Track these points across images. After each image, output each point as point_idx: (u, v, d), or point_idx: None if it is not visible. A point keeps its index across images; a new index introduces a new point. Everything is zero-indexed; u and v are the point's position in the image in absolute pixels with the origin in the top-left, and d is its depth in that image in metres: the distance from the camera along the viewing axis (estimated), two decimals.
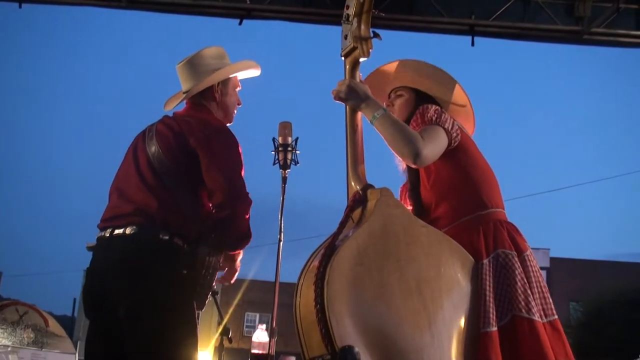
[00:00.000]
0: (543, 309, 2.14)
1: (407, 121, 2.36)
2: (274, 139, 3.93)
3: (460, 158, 2.31)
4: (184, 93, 2.68)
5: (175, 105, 2.73)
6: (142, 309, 2.29)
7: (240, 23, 5.78)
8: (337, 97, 2.28)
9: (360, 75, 2.31)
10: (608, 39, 5.88)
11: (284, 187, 3.89)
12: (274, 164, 3.92)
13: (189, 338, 2.34)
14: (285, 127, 3.96)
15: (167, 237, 2.34)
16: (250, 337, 4.31)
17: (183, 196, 2.42)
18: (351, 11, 2.25)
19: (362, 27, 2.20)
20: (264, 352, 4.02)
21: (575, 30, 5.78)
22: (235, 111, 2.76)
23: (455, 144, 2.30)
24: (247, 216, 2.45)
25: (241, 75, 2.78)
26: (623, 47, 5.98)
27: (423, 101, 2.42)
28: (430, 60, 2.47)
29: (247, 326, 28.01)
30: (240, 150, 2.51)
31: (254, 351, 4.16)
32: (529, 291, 2.11)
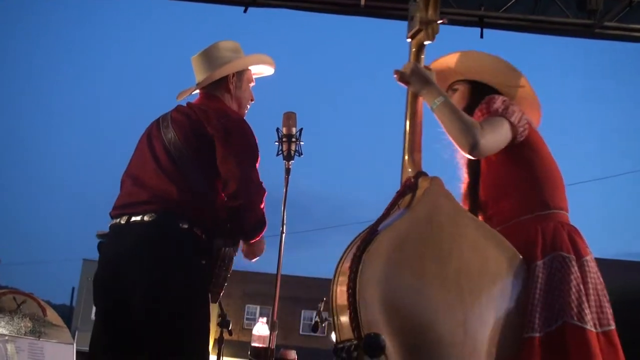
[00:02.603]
0: (598, 318, 2.03)
1: (468, 113, 2.26)
2: (277, 130, 3.89)
3: (525, 154, 2.22)
4: (197, 85, 2.65)
5: (188, 95, 2.70)
6: (160, 297, 2.27)
7: (245, 11, 5.72)
8: (401, 79, 2.21)
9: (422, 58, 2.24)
10: (620, 33, 5.76)
11: (287, 178, 3.86)
12: (278, 154, 3.89)
13: (204, 328, 2.34)
14: (290, 118, 3.93)
15: (186, 226, 2.32)
16: (251, 330, 4.27)
17: (200, 184, 2.39)
18: None
19: (430, 9, 2.15)
20: (264, 345, 3.99)
21: (587, 23, 5.67)
22: (249, 107, 2.73)
23: (522, 138, 2.21)
24: (262, 205, 2.43)
25: (255, 71, 2.75)
26: (635, 42, 5.87)
27: (482, 92, 2.34)
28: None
29: (247, 319, 28.04)
30: (257, 142, 2.49)
31: (254, 344, 4.13)
32: (583, 298, 2.00)
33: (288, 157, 3.87)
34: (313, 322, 5.64)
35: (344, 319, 1.87)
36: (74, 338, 6.04)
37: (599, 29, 5.70)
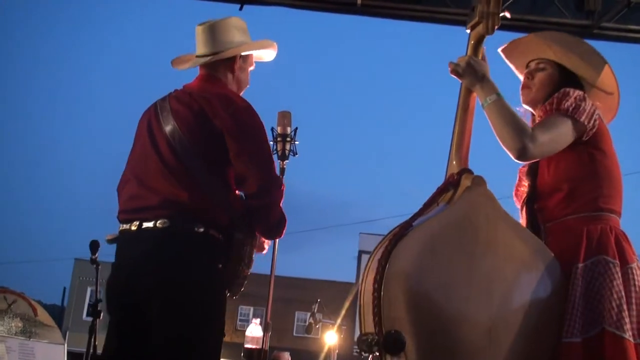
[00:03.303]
0: (639, 329, 1.94)
1: (546, 99, 2.21)
2: (272, 129, 3.86)
3: (589, 152, 2.15)
4: (197, 57, 2.51)
5: (186, 68, 2.57)
6: (176, 305, 2.19)
7: (240, 8, 5.68)
8: (454, 72, 2.15)
9: (484, 49, 2.19)
10: (618, 34, 5.75)
11: (282, 178, 3.81)
12: (272, 154, 3.84)
13: (219, 336, 2.29)
14: (285, 117, 3.90)
15: (202, 230, 2.22)
16: (244, 331, 4.21)
17: (211, 181, 2.27)
18: None
19: (491, 1, 2.08)
20: (258, 347, 3.94)
21: (585, 24, 5.64)
22: (244, 91, 2.63)
23: (587, 137, 2.13)
24: (282, 201, 2.36)
25: (256, 55, 2.65)
26: (633, 42, 5.86)
27: (567, 81, 2.25)
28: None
29: (240, 320, 27.98)
30: (265, 128, 2.39)
31: (247, 346, 4.07)
32: (624, 306, 1.93)
33: (283, 157, 3.84)
34: (307, 323, 5.61)
35: (368, 311, 1.84)
36: (64, 338, 6.00)
37: (597, 30, 5.67)
